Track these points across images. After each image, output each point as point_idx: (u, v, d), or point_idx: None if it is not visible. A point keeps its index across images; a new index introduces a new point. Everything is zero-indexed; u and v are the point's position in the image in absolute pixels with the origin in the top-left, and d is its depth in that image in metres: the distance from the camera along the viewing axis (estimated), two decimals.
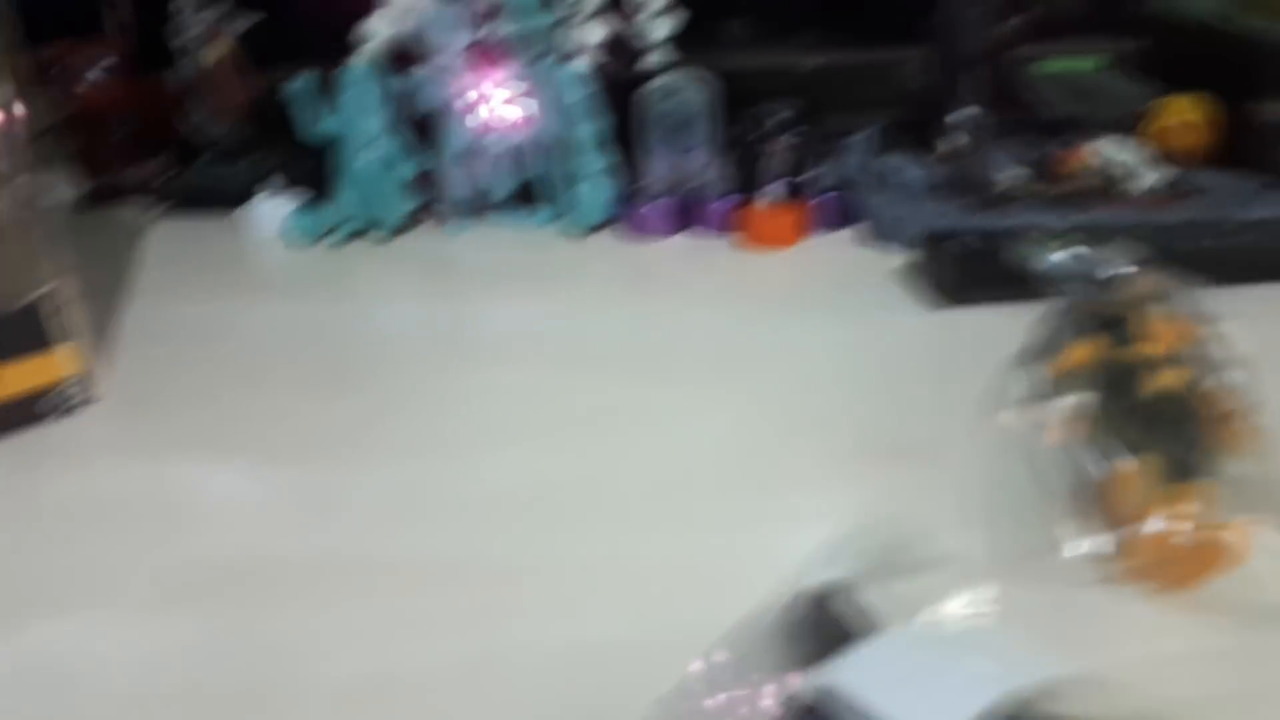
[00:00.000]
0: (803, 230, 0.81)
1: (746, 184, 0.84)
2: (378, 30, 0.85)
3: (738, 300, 0.73)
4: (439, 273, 0.81)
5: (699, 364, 0.64)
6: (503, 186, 0.86)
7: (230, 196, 0.88)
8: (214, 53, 0.85)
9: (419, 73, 0.84)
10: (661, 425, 0.55)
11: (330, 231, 0.84)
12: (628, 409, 0.57)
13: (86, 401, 0.57)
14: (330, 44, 0.85)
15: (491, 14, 0.84)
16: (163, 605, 0.43)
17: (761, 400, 0.57)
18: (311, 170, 0.85)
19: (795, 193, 0.82)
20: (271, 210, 0.86)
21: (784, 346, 0.65)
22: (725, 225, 0.83)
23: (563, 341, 0.67)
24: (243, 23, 0.86)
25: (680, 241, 0.83)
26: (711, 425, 0.55)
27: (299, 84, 0.82)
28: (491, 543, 0.46)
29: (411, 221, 0.86)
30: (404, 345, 0.70)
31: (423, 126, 0.85)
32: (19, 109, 0.52)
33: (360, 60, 0.84)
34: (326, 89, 0.82)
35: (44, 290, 0.54)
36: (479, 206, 0.86)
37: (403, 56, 0.85)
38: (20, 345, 0.54)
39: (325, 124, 0.83)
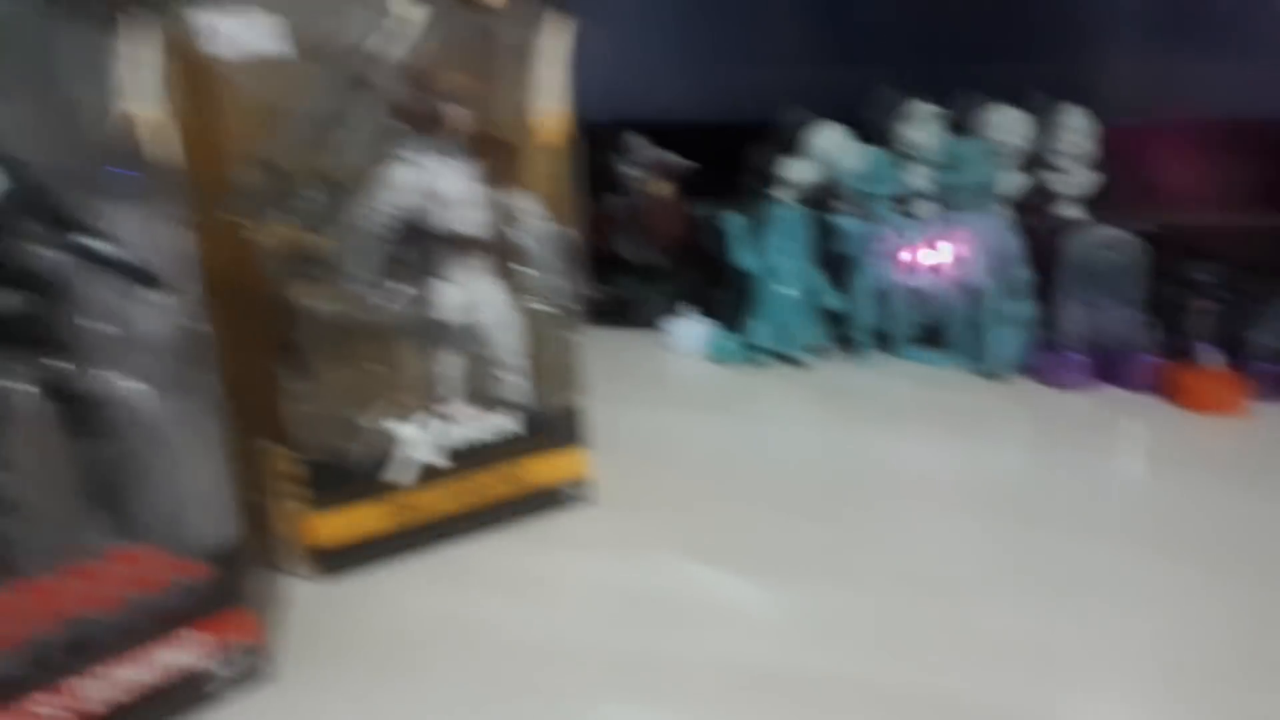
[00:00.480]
0: (1244, 397, 0.78)
1: (1173, 343, 0.82)
2: (800, 173, 0.93)
3: (1170, 463, 0.71)
4: (847, 403, 0.84)
5: (1132, 524, 0.62)
6: (915, 325, 0.90)
7: (651, 314, 0.97)
8: (656, 188, 0.96)
9: (841, 213, 0.90)
10: (1113, 589, 0.54)
11: (747, 355, 0.90)
12: (1065, 565, 0.56)
13: (587, 499, 0.63)
14: (758, 184, 0.94)
15: (914, 162, 0.89)
16: (715, 702, 0.46)
17: (1226, 578, 0.55)
18: (730, 297, 0.93)
19: (1231, 356, 0.79)
20: (690, 330, 0.94)
21: (1238, 521, 0.61)
22: (1148, 384, 0.81)
23: (976, 484, 0.68)
24: (683, 167, 0.97)
25: (1098, 396, 0.82)
26: (1164, 595, 0.53)
27: (727, 220, 0.90)
28: (989, 684, 0.47)
29: (824, 352, 0.91)
30: (823, 471, 0.72)
31: (840, 262, 0.90)
32: (571, 221, 0.59)
33: (784, 199, 0.91)
34: (752, 225, 0.90)
35: (575, 394, 0.61)
36: (890, 342, 0.90)
37: (827, 196, 0.92)
38: (553, 442, 0.61)
39: (748, 257, 0.90)
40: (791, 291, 0.89)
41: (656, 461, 0.71)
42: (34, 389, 0.39)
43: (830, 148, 0.93)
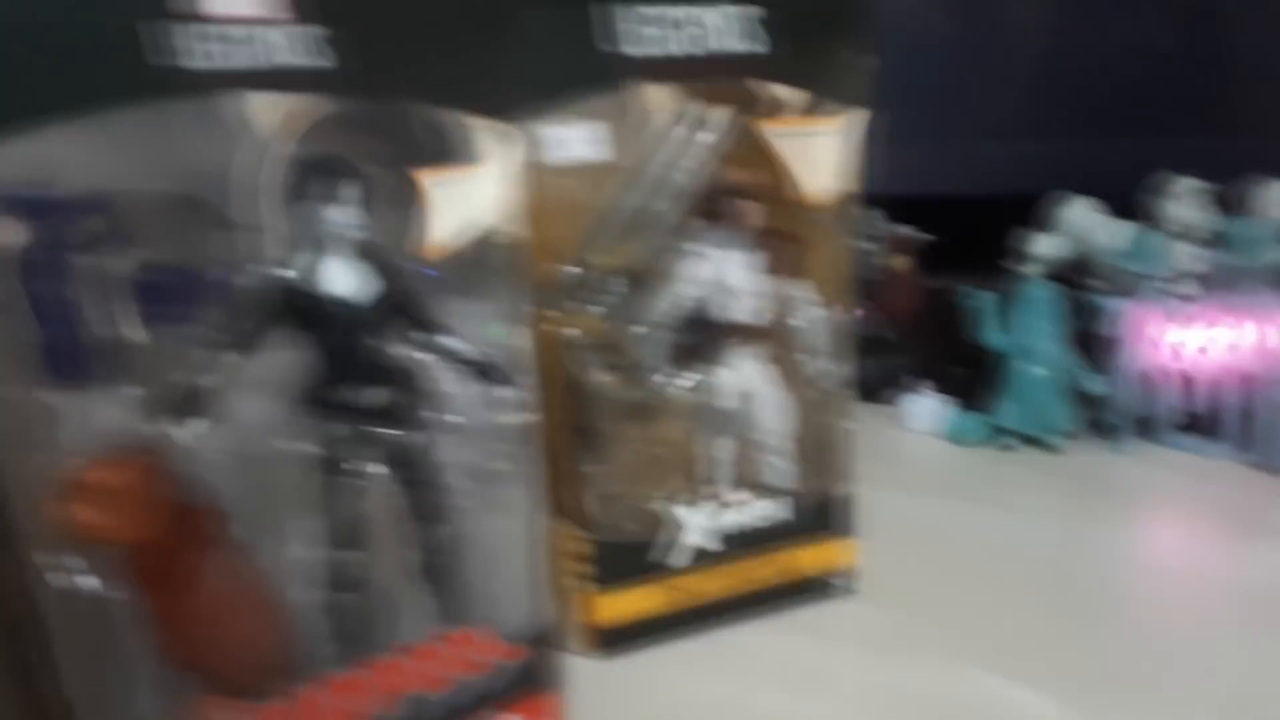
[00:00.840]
0: None
1: None
2: (1051, 248, 0.89)
3: None
4: (1107, 493, 0.80)
5: None
6: (1180, 411, 0.84)
7: (884, 389, 0.96)
8: (895, 261, 0.95)
9: (1098, 291, 0.86)
10: None
11: (991, 436, 0.87)
12: None
13: (851, 591, 0.62)
14: (1006, 259, 0.91)
15: (1180, 239, 0.84)
16: None
17: None
18: (973, 375, 0.90)
19: None
20: (926, 408, 0.92)
21: None
22: None
23: (1266, 592, 0.62)
24: (920, 240, 0.95)
25: None
26: None
27: (975, 296, 0.88)
28: None
29: (1077, 437, 0.86)
30: (1086, 569, 0.68)
31: (1096, 342, 0.86)
32: (847, 307, 0.59)
33: (1033, 275, 0.88)
34: (1001, 301, 0.87)
35: (845, 481, 0.61)
36: (1151, 429, 0.85)
37: (1080, 273, 0.88)
38: (821, 529, 0.60)
39: (996, 334, 0.87)
40: (1043, 371, 0.85)
41: (909, 550, 0.69)
42: (385, 470, 0.43)
43: (1083, 222, 0.90)
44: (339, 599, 0.41)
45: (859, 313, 0.98)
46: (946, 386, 0.93)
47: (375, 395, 0.41)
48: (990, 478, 0.83)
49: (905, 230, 0.96)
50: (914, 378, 0.95)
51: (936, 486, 0.82)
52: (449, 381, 0.43)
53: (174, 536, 0.35)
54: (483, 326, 0.43)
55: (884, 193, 0.98)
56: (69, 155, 0.32)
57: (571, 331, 0.52)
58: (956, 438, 0.89)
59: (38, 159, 0.31)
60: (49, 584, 0.33)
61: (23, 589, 0.33)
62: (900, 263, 0.95)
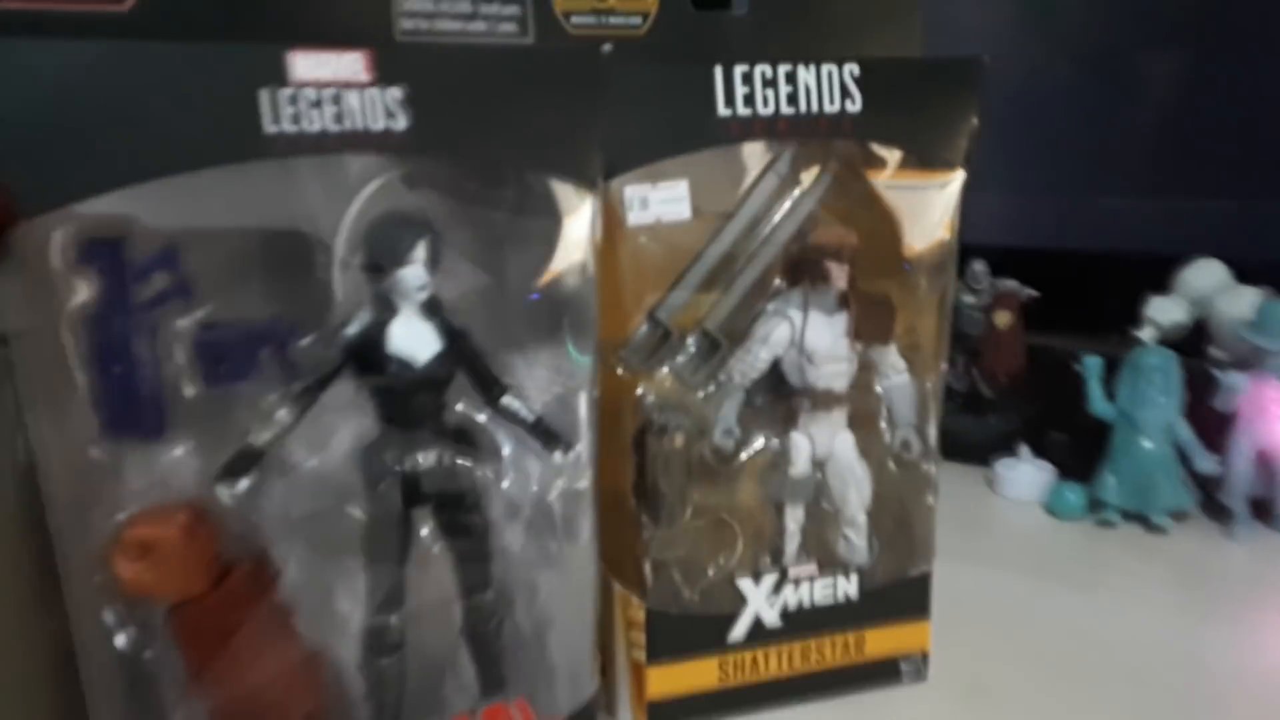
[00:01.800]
0: None
1: None
2: (1171, 313, 0.84)
3: None
4: (1220, 585, 0.74)
5: None
6: None
7: (975, 450, 0.91)
8: (998, 317, 0.90)
9: (1220, 363, 0.80)
10: None
11: (1093, 512, 0.82)
12: None
13: (921, 677, 0.59)
14: (1120, 322, 0.86)
15: None
16: None
17: None
18: (1077, 443, 0.85)
19: None
20: (1024, 475, 0.87)
21: None
22: None
23: None
24: (1025, 296, 0.90)
25: None
26: None
27: (1083, 360, 0.82)
28: None
29: (1188, 519, 0.80)
30: (1194, 673, 0.63)
31: (1212, 417, 0.80)
32: (936, 376, 0.57)
33: (1148, 341, 0.82)
34: (1112, 367, 0.82)
35: (923, 560, 0.57)
36: (1267, 514, 0.79)
37: (1202, 341, 0.82)
38: (895, 610, 0.57)
39: (1104, 402, 0.82)
40: (1152, 444, 0.80)
41: (988, 634, 0.65)
42: (434, 532, 0.42)
43: (1206, 287, 0.84)
44: (378, 662, 0.40)
45: (955, 369, 0.94)
46: (1046, 453, 0.88)
47: (430, 456, 0.40)
48: (1086, 557, 0.78)
49: (1010, 284, 0.91)
50: (1012, 441, 0.90)
51: (1025, 562, 0.77)
52: (508, 443, 0.42)
53: (217, 595, 0.35)
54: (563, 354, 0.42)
55: (990, 244, 0.94)
56: (146, 210, 0.32)
57: (641, 389, 0.50)
58: (1053, 509, 0.83)
59: (113, 213, 0.32)
60: (97, 637, 0.34)
61: (70, 642, 0.34)
62: (1004, 318, 0.90)
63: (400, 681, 0.41)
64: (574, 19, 0.50)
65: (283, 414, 0.37)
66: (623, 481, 0.51)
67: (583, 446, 0.43)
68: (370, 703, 0.40)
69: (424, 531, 0.41)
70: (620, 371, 0.50)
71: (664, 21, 0.52)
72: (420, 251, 0.38)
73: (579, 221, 0.41)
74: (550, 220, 0.40)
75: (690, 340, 0.51)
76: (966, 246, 0.94)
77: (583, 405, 0.43)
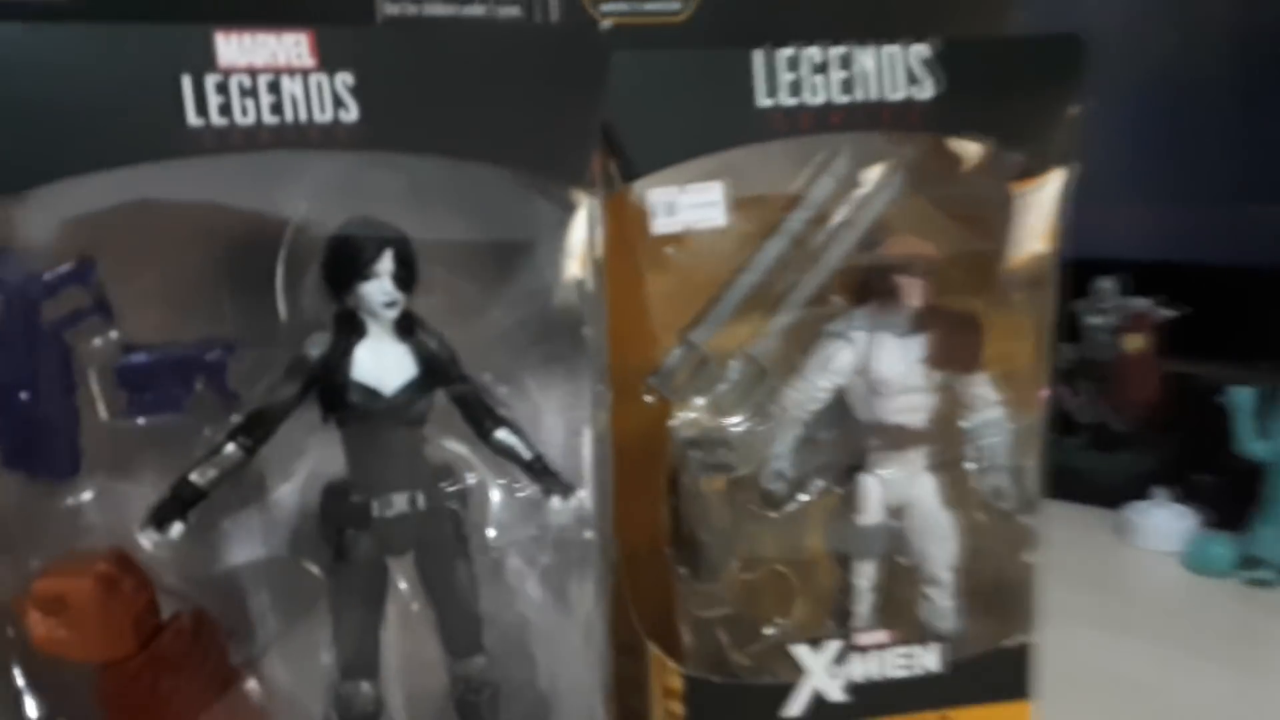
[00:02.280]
0: None
1: None
2: None
3: None
4: None
5: None
6: None
7: (1108, 492, 0.80)
8: (1130, 341, 0.80)
9: None
10: None
11: (1243, 568, 0.70)
12: None
13: None
14: (1270, 343, 0.74)
15: None
16: None
17: None
18: (1225, 487, 0.73)
19: None
20: (1163, 521, 0.76)
21: None
22: None
23: None
24: (1163, 318, 0.80)
25: None
26: None
27: (1232, 393, 0.71)
28: None
29: None
30: None
31: None
32: (1038, 408, 0.49)
33: None
34: (1267, 401, 0.70)
35: (1023, 628, 0.49)
36: None
37: None
38: (987, 688, 0.49)
39: (1256, 442, 0.70)
40: None
41: (1109, 715, 0.55)
42: (412, 589, 0.36)
43: None
44: None
45: (1080, 398, 0.83)
46: (1188, 497, 0.76)
47: (405, 499, 0.35)
48: (1233, 622, 0.66)
49: (1143, 304, 0.80)
50: (1146, 482, 0.78)
51: (1161, 628, 0.66)
52: (498, 487, 0.36)
53: (145, 657, 0.31)
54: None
55: (1124, 258, 0.83)
56: (51, 215, 0.29)
57: (676, 423, 0.44)
58: (1195, 563, 0.72)
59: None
60: (4, 700, 0.30)
61: None
62: (1136, 342, 0.79)
63: None
64: (604, 5, 0.44)
65: (231, 449, 0.33)
66: (654, 528, 0.44)
67: (585, 492, 0.37)
68: None
69: (403, 585, 0.36)
70: (649, 399, 0.43)
71: (709, 5, 0.46)
72: (386, 263, 0.33)
73: (573, 229, 0.35)
74: (536, 228, 0.34)
75: (732, 366, 0.44)
76: (1094, 261, 0.84)
77: (585, 442, 0.37)
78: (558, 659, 0.38)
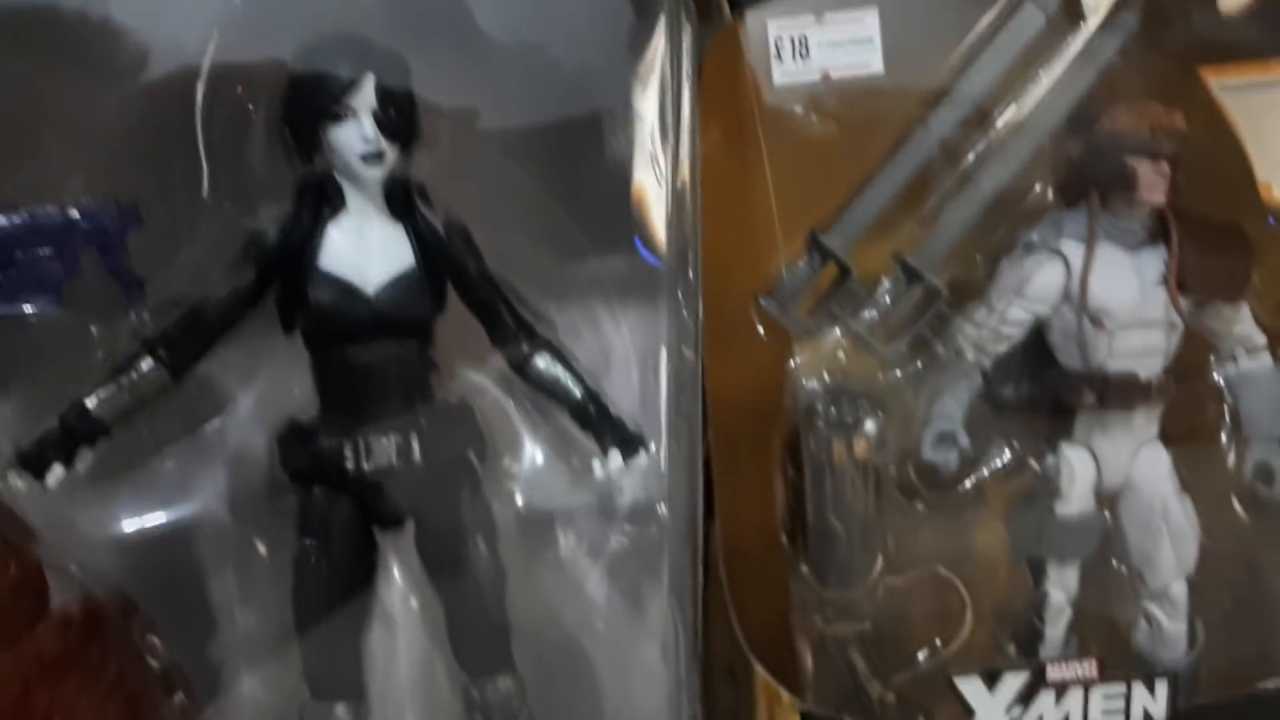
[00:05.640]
0: None
1: None
2: None
3: None
4: None
5: None
6: None
7: None
8: None
9: None
10: None
11: None
12: None
13: None
14: None
15: None
16: None
17: None
18: None
19: None
20: None
21: None
22: None
23: None
24: None
25: None
26: None
27: None
28: None
29: None
30: None
31: None
32: None
33: None
34: None
35: None
36: None
37: None
38: None
39: None
40: None
41: None
42: (412, 579, 0.27)
43: None
44: None
45: None
46: None
47: (392, 445, 0.25)
48: None
49: None
50: None
51: None
52: (532, 436, 0.26)
53: (8, 659, 0.22)
54: None
55: None
56: None
57: (798, 366, 0.34)
58: None
59: None
60: None
61: None
62: None
63: None
64: None
65: (148, 366, 0.23)
66: (767, 512, 0.35)
67: (663, 449, 0.26)
68: None
69: (396, 571, 0.26)
70: (762, 331, 0.33)
71: None
72: (366, 94, 0.23)
73: (648, 87, 0.25)
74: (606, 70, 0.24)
75: (883, 285, 0.34)
76: None
77: (663, 375, 0.26)
78: (625, 683, 0.29)
